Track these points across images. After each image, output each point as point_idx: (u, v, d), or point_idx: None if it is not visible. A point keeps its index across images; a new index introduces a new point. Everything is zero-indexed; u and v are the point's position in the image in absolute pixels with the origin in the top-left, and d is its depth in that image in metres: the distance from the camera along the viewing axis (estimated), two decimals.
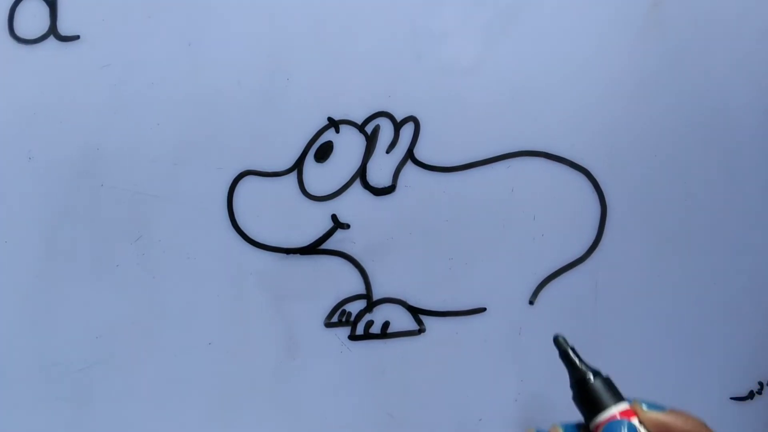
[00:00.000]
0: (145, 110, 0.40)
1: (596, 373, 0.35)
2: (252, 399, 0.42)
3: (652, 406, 0.33)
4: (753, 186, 0.44)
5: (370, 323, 0.42)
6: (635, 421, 0.33)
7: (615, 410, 0.33)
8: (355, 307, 0.42)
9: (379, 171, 0.42)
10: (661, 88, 0.43)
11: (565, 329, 0.44)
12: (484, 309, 0.43)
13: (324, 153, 0.41)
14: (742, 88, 0.43)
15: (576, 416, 0.33)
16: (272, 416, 0.42)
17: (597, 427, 0.33)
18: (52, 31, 0.40)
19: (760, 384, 0.45)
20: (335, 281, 0.42)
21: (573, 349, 0.35)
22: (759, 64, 0.44)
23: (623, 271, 0.44)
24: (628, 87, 0.43)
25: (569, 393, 0.42)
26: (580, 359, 0.35)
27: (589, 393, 0.34)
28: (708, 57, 0.43)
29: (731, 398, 0.45)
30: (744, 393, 0.45)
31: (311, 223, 0.42)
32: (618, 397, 0.34)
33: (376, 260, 0.42)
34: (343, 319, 0.42)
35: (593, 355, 0.43)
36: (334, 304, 0.42)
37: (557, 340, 0.36)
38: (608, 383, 0.34)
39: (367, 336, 0.42)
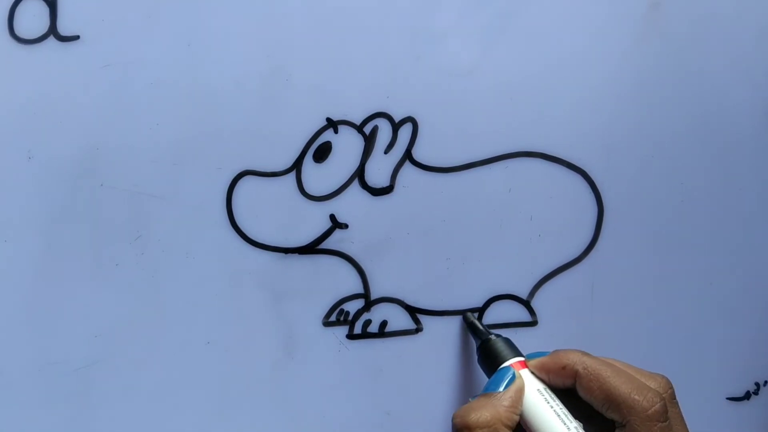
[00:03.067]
0: (145, 110, 0.40)
1: (497, 336, 0.40)
2: (250, 397, 0.42)
3: (538, 354, 0.37)
4: (750, 187, 0.45)
5: (368, 322, 0.43)
6: (523, 370, 0.37)
7: (509, 363, 0.37)
8: (353, 307, 0.42)
9: (378, 171, 0.42)
10: (659, 89, 0.43)
11: (562, 328, 0.44)
12: (481, 309, 0.43)
13: (323, 153, 0.42)
14: (741, 89, 0.44)
15: None
16: (271, 414, 0.42)
17: None
18: (52, 31, 0.40)
19: (757, 384, 0.46)
20: (333, 281, 0.42)
21: (479, 319, 0.42)
22: (757, 65, 0.44)
23: (620, 271, 0.44)
24: (626, 88, 0.43)
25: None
26: (483, 326, 0.41)
27: (488, 351, 0.39)
28: (706, 58, 0.43)
29: (727, 398, 0.45)
30: (740, 393, 0.46)
31: (310, 222, 0.42)
32: (516, 353, 0.38)
33: (374, 260, 0.42)
34: (342, 319, 0.42)
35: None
36: (333, 303, 0.42)
37: (465, 316, 0.42)
38: (507, 342, 0.39)
39: (365, 335, 0.43)
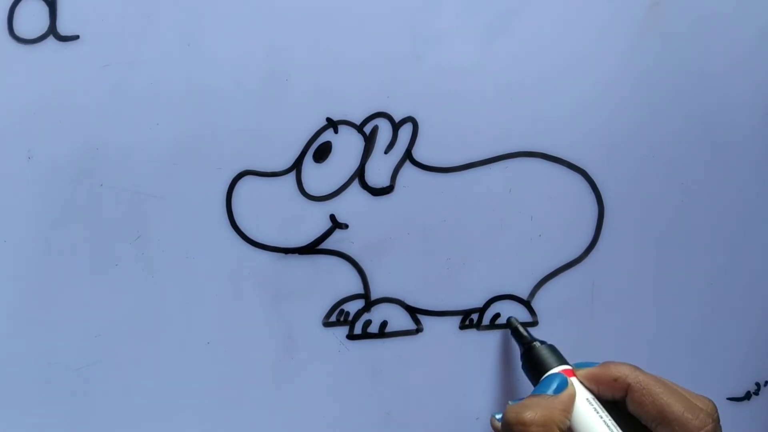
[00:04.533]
0: (145, 110, 0.40)
1: (542, 342, 0.39)
2: (250, 398, 0.42)
3: (586, 364, 0.37)
4: (750, 186, 0.44)
5: (368, 323, 0.42)
6: (572, 378, 0.37)
7: (557, 370, 0.37)
8: (353, 307, 0.42)
9: (378, 171, 0.42)
10: (660, 88, 0.43)
11: (562, 328, 0.44)
12: (481, 309, 0.43)
13: (323, 153, 0.41)
14: (740, 89, 0.44)
15: None
16: (270, 414, 0.42)
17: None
18: (52, 30, 0.40)
19: (757, 384, 0.46)
20: (334, 281, 0.42)
21: (522, 324, 0.41)
22: (757, 64, 0.44)
23: (620, 271, 0.44)
24: (627, 87, 0.43)
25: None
26: (528, 332, 0.40)
27: (534, 357, 0.39)
28: (706, 57, 0.43)
29: (728, 399, 0.45)
30: (741, 394, 0.46)
31: (310, 222, 0.42)
32: (562, 361, 0.38)
33: (375, 260, 0.42)
34: (342, 319, 0.42)
35: (589, 355, 0.44)
36: (333, 303, 0.42)
37: (509, 321, 0.42)
38: (552, 349, 0.39)
39: (365, 335, 0.43)
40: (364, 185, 0.42)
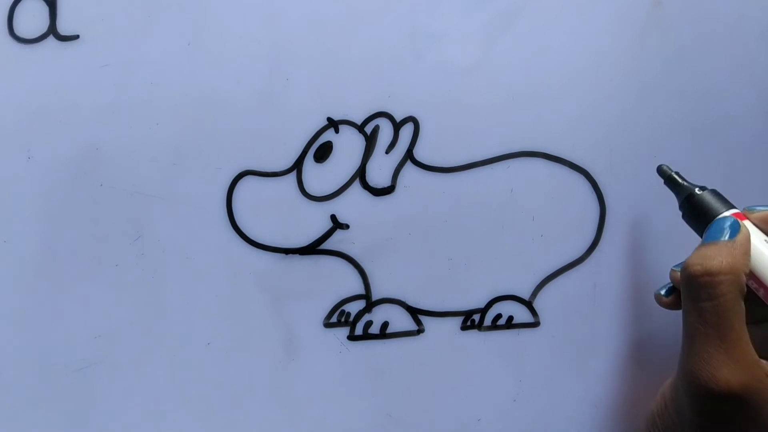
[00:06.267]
0: (145, 110, 0.40)
1: (703, 188, 0.37)
2: (251, 398, 0.42)
3: (762, 206, 0.36)
4: (752, 188, 0.44)
5: (369, 323, 0.42)
6: (744, 221, 0.35)
7: (726, 213, 0.35)
8: (354, 308, 0.42)
9: (379, 171, 0.42)
10: (662, 89, 0.43)
11: (564, 329, 0.44)
12: (483, 309, 0.43)
13: (323, 153, 0.41)
14: (743, 90, 0.44)
15: None
16: (271, 415, 0.42)
17: None
18: (52, 30, 0.40)
19: None
20: (334, 281, 0.42)
21: (677, 173, 0.38)
22: (760, 65, 0.44)
23: (621, 271, 0.44)
24: (628, 88, 0.43)
25: (567, 393, 0.42)
26: (683, 179, 0.38)
27: (698, 205, 0.36)
28: (709, 58, 0.43)
29: None
30: None
31: (310, 223, 0.42)
32: (728, 205, 0.36)
33: (376, 260, 0.42)
34: (342, 320, 0.42)
35: (589, 355, 0.44)
36: (334, 304, 0.42)
37: (661, 168, 0.39)
38: (716, 194, 0.36)
39: (366, 336, 0.42)
40: (365, 185, 0.42)
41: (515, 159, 0.42)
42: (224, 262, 0.41)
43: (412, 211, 0.42)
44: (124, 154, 0.40)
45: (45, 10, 0.40)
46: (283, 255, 0.42)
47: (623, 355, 0.43)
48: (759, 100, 0.44)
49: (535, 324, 0.43)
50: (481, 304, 0.43)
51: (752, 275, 0.34)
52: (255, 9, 0.40)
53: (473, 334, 0.43)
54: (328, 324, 0.42)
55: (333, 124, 0.41)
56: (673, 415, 0.36)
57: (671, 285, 0.38)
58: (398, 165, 0.42)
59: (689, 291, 0.34)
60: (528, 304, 0.43)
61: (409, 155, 0.42)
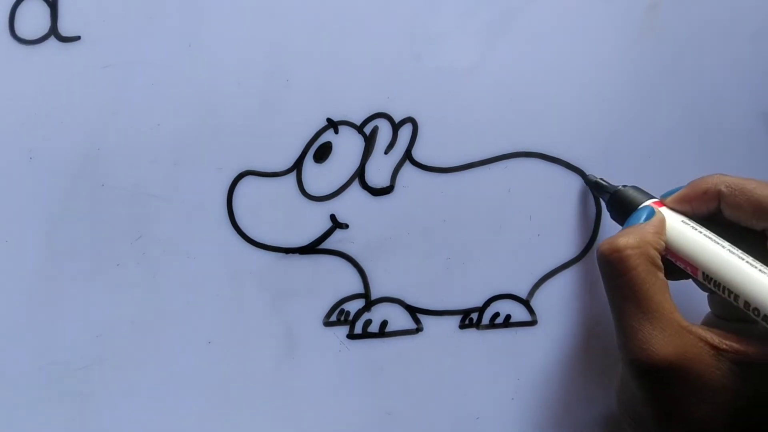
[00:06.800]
0: (146, 110, 0.40)
1: (625, 185, 0.40)
2: (251, 397, 0.42)
3: (673, 191, 0.38)
4: None
5: (368, 322, 0.43)
6: (661, 208, 0.38)
7: (645, 204, 0.38)
8: (353, 307, 0.43)
9: (378, 171, 0.42)
10: (657, 90, 0.44)
11: (561, 327, 0.44)
12: (481, 308, 0.43)
13: (323, 153, 0.42)
14: (737, 91, 0.44)
15: None
16: (271, 414, 0.42)
17: None
18: (53, 31, 0.40)
19: None
20: (334, 281, 0.42)
21: (601, 179, 0.42)
22: (753, 66, 0.44)
23: None
24: (624, 89, 0.43)
25: (566, 391, 0.43)
26: (607, 182, 0.41)
27: (621, 200, 0.39)
28: (703, 59, 0.44)
29: None
30: None
31: (310, 222, 0.42)
32: (648, 196, 0.39)
33: (375, 260, 0.42)
34: (342, 318, 0.42)
35: (586, 353, 0.44)
36: (333, 303, 0.42)
37: (586, 177, 0.43)
38: (637, 189, 0.39)
39: (366, 335, 0.43)
40: (365, 185, 0.42)
41: (513, 159, 0.43)
42: (224, 262, 0.41)
43: (410, 210, 0.42)
44: (125, 154, 0.40)
45: (46, 11, 0.40)
46: (283, 254, 0.42)
47: (619, 354, 0.44)
48: (752, 101, 0.44)
49: (533, 323, 0.44)
50: (479, 303, 0.43)
51: (672, 252, 0.36)
52: (255, 11, 0.41)
53: (471, 332, 0.43)
54: (327, 323, 0.42)
55: (332, 124, 0.42)
56: (625, 390, 0.37)
57: None
58: (397, 165, 0.42)
59: (604, 271, 0.36)
60: (525, 303, 0.43)
61: (407, 155, 0.42)
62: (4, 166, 0.40)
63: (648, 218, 0.36)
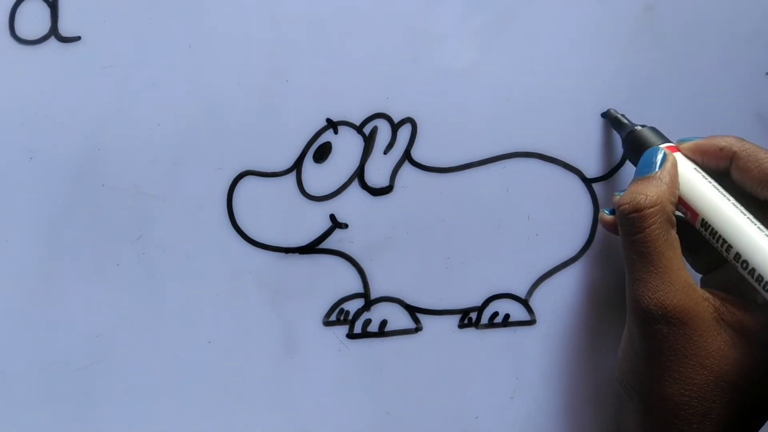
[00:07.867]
0: (146, 111, 0.41)
1: (643, 126, 0.40)
2: (251, 396, 0.42)
3: (690, 138, 0.39)
4: None
5: (367, 322, 0.43)
6: (675, 153, 0.38)
7: (660, 146, 0.38)
8: (353, 306, 0.43)
9: (377, 171, 0.42)
10: (653, 89, 0.44)
11: (559, 327, 0.45)
12: (480, 307, 0.43)
13: (323, 154, 0.42)
14: (733, 91, 0.44)
15: None
16: (271, 413, 0.42)
17: None
18: (53, 32, 0.40)
19: None
20: (333, 280, 0.42)
21: (623, 115, 0.42)
22: (749, 67, 0.45)
23: (615, 269, 0.44)
24: (621, 89, 0.44)
25: (565, 390, 0.43)
26: (628, 119, 0.41)
27: (636, 140, 0.40)
28: (699, 59, 0.44)
29: None
30: None
31: (310, 222, 0.42)
32: (664, 139, 0.39)
33: (374, 259, 0.43)
34: (342, 318, 0.43)
35: (585, 352, 0.44)
36: (333, 302, 0.43)
37: (608, 112, 0.42)
38: (654, 130, 0.40)
39: (365, 334, 0.43)
40: (364, 185, 0.42)
41: (511, 159, 0.43)
42: (224, 262, 0.42)
43: (410, 210, 0.43)
44: (125, 154, 0.41)
45: (46, 11, 0.40)
46: (282, 254, 0.42)
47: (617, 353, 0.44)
48: (748, 101, 0.45)
49: (532, 322, 0.44)
50: (478, 303, 0.43)
51: (681, 200, 0.37)
52: (255, 11, 0.41)
53: (470, 332, 0.43)
54: (327, 322, 0.43)
55: (332, 124, 0.42)
56: (629, 349, 0.38)
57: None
58: (396, 165, 0.42)
59: (623, 226, 0.37)
60: (524, 303, 0.44)
61: (407, 156, 0.42)
62: (4, 166, 0.40)
63: (662, 163, 0.37)
